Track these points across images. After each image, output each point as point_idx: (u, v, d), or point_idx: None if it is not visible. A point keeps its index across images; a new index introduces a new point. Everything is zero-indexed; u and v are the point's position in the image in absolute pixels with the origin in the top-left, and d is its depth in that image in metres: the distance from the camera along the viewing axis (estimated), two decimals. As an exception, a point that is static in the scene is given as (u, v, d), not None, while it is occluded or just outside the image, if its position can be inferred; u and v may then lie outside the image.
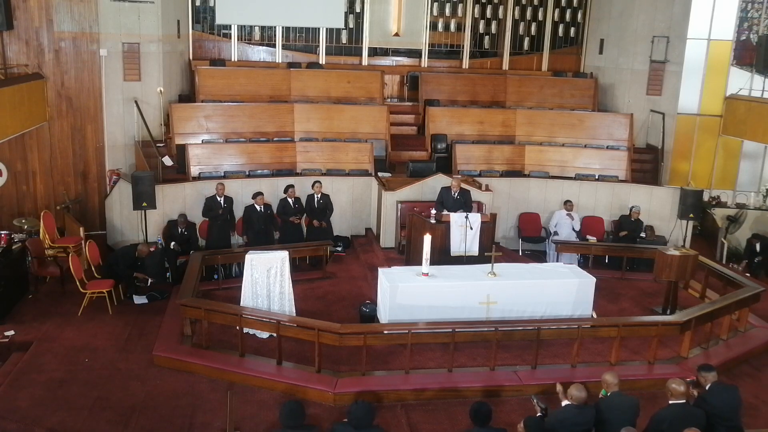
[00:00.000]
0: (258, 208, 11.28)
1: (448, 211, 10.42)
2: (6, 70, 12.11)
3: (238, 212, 11.60)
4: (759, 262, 12.75)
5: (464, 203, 10.94)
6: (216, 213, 11.18)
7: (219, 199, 11.25)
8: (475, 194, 11.73)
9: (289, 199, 11.57)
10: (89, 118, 12.97)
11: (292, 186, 11.64)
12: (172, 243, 10.82)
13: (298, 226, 11.64)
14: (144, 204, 10.87)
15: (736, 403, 6.03)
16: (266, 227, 11.40)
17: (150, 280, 10.16)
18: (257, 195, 11.29)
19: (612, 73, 15.57)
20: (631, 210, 12.13)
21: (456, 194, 10.99)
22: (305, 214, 11.80)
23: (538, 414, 5.82)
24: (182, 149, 12.59)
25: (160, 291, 10.23)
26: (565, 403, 5.83)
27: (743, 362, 8.82)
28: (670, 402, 5.81)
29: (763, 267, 12.80)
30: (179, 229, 11.12)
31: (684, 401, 5.80)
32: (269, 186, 11.94)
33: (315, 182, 11.77)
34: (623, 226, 12.14)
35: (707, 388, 6.05)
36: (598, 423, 5.80)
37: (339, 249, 11.95)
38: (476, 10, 16.19)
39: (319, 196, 11.71)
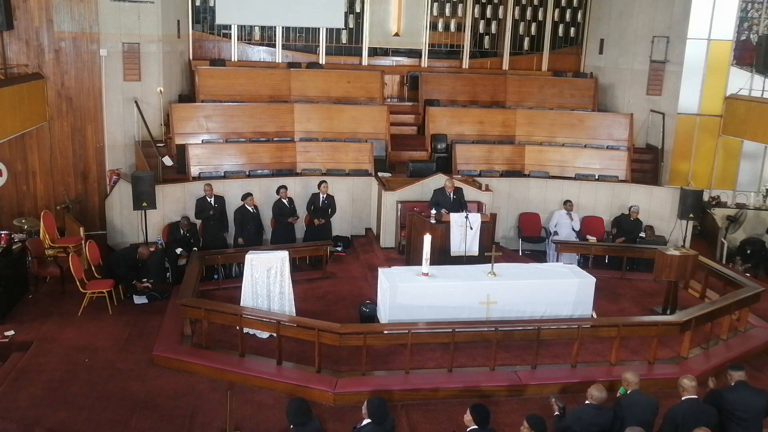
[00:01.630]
0: (250, 209, 11.25)
1: (447, 212, 10.41)
2: (6, 70, 12.12)
3: (231, 212, 11.51)
4: (750, 268, 12.72)
5: (461, 202, 10.94)
6: (207, 213, 11.16)
7: (209, 199, 11.22)
8: (475, 194, 11.74)
9: (284, 200, 11.55)
10: (89, 118, 12.98)
11: (284, 187, 11.60)
12: (178, 249, 10.80)
13: (291, 227, 11.60)
14: (144, 204, 10.86)
15: (758, 407, 6.03)
16: (258, 228, 11.39)
17: (149, 281, 10.15)
18: (247, 196, 11.23)
19: (612, 73, 15.57)
20: (630, 210, 12.13)
21: (452, 195, 10.98)
22: (307, 213, 11.78)
23: (556, 413, 5.84)
24: (182, 149, 12.58)
25: (160, 291, 10.22)
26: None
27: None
28: (683, 398, 5.91)
29: (761, 268, 12.80)
30: (181, 231, 11.09)
31: (695, 396, 5.90)
32: (269, 186, 11.93)
33: (322, 182, 11.74)
34: (622, 226, 12.14)
35: (730, 384, 6.12)
36: (617, 420, 5.83)
37: (339, 249, 11.94)
38: (476, 10, 16.18)
39: (324, 196, 11.69)
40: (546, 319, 8.73)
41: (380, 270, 9.21)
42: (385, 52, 16.12)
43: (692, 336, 8.60)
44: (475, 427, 5.45)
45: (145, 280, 10.13)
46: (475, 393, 7.71)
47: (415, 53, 16.14)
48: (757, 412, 6.03)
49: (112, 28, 12.72)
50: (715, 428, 5.74)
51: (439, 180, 11.60)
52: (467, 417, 5.48)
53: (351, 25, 15.76)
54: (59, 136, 12.88)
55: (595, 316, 9.17)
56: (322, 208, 11.69)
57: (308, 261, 11.36)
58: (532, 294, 8.92)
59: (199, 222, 11.43)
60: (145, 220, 11.11)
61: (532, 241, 12.70)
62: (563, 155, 13.74)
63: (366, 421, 5.54)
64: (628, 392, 6.07)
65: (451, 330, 8.04)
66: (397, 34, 15.91)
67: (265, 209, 11.66)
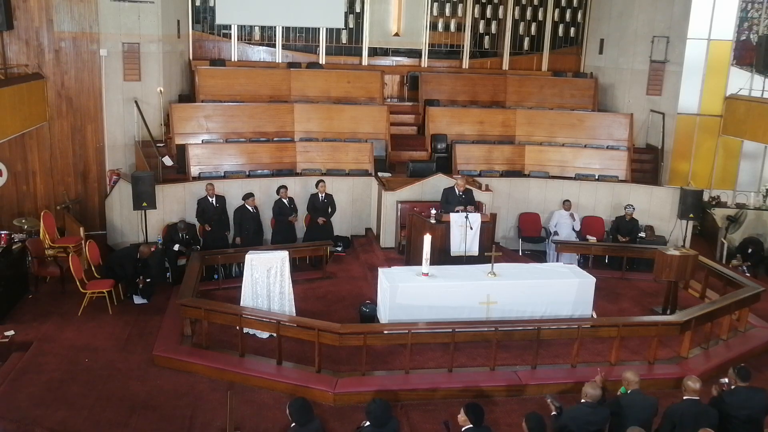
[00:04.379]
0: (250, 209, 11.24)
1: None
2: (6, 70, 12.11)
3: (231, 212, 11.50)
4: (749, 267, 12.71)
5: (469, 203, 10.92)
6: (208, 216, 11.13)
7: (210, 199, 11.22)
8: (475, 194, 11.73)
9: (284, 200, 11.54)
10: (89, 118, 12.97)
11: (284, 187, 11.58)
12: (176, 245, 10.80)
13: (292, 226, 11.61)
14: (144, 204, 10.86)
15: (760, 406, 6.02)
16: (258, 228, 11.38)
17: (147, 280, 10.16)
18: (249, 196, 11.22)
19: (612, 73, 15.57)
20: (624, 210, 12.12)
21: (461, 194, 10.97)
22: (307, 212, 11.77)
23: (553, 413, 5.85)
24: (182, 149, 12.58)
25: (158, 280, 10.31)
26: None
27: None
28: (684, 398, 5.93)
29: (760, 267, 12.79)
30: (180, 235, 11.04)
31: (697, 398, 5.91)
32: (269, 186, 11.92)
33: (319, 182, 11.75)
34: (620, 228, 12.13)
35: (732, 387, 6.12)
36: (616, 419, 5.84)
37: (339, 249, 11.94)
38: (476, 10, 16.18)
39: (323, 195, 11.69)
40: (546, 319, 8.74)
41: (380, 270, 9.21)
42: (385, 52, 16.11)
43: (692, 336, 8.60)
44: (471, 426, 5.45)
45: (148, 279, 10.14)
46: (475, 393, 7.71)
47: (415, 53, 16.14)
48: (760, 410, 6.03)
49: (112, 28, 12.72)
50: (717, 429, 5.74)
51: (439, 180, 11.60)
52: (461, 417, 5.48)
53: (351, 25, 15.75)
54: (59, 136, 12.88)
55: (595, 316, 9.17)
56: (321, 207, 11.69)
57: (308, 261, 11.36)
58: (532, 294, 8.92)
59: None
60: (145, 220, 11.11)
61: (532, 241, 12.69)
62: (563, 155, 13.74)
63: (366, 423, 5.54)
64: (629, 392, 6.08)
65: (451, 330, 8.04)
66: (397, 34, 15.91)
67: (265, 209, 11.66)
